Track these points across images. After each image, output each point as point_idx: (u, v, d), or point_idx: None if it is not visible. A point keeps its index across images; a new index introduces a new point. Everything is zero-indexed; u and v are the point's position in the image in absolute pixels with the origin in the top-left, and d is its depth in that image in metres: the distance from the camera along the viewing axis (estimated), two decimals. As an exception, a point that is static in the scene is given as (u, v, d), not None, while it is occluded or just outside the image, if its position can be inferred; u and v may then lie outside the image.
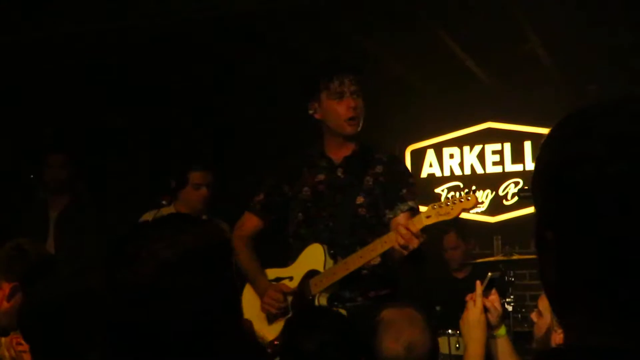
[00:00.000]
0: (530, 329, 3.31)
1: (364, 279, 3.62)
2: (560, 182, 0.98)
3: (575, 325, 1.00)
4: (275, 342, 3.59)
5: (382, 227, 3.60)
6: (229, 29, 5.29)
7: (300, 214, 3.76)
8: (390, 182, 3.68)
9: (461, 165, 7.03)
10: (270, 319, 3.72)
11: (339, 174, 3.75)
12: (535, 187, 1.05)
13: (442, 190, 6.97)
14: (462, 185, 6.82)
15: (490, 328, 2.92)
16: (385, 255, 3.54)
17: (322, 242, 3.64)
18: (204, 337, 1.48)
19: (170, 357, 1.48)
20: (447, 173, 7.08)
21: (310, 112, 3.71)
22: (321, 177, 3.76)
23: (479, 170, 6.97)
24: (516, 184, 6.79)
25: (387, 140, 6.39)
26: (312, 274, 3.63)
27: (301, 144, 3.92)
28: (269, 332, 3.69)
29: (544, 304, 2.71)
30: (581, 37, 5.42)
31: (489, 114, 6.91)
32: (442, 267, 6.12)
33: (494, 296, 2.95)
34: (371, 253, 3.46)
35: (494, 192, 6.87)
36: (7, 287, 2.99)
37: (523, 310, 5.23)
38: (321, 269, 3.60)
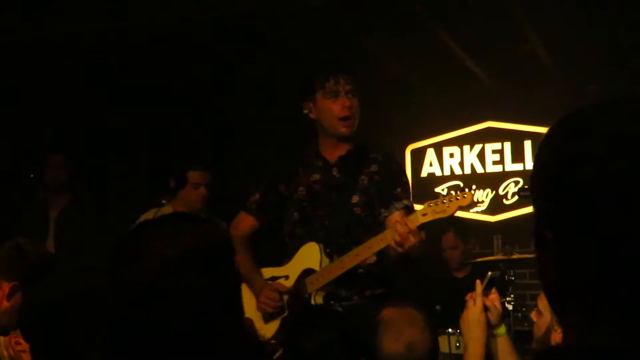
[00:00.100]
0: (530, 328, 3.31)
1: (360, 278, 3.62)
2: (560, 181, 0.98)
3: (574, 324, 1.00)
4: (272, 341, 3.60)
5: (378, 226, 3.61)
6: (229, 29, 5.29)
7: (295, 214, 3.76)
8: (385, 181, 3.69)
9: (461, 164, 7.04)
10: (266, 318, 3.72)
11: (334, 173, 3.75)
12: (534, 186, 1.04)
13: (443, 190, 6.97)
14: (462, 185, 6.82)
15: (490, 327, 2.92)
16: (381, 253, 3.55)
17: (318, 241, 3.65)
18: (204, 337, 1.48)
19: (170, 357, 1.48)
20: (447, 172, 7.08)
21: (305, 111, 3.72)
22: (316, 176, 3.77)
23: (479, 169, 6.97)
24: (516, 183, 6.79)
25: (387, 140, 6.40)
26: (308, 272, 3.63)
27: (301, 144, 3.92)
28: (265, 331, 3.70)
29: (543, 303, 2.71)
30: (581, 37, 5.41)
31: (489, 113, 6.92)
32: (442, 266, 6.12)
33: (494, 295, 2.95)
34: (368, 251, 3.47)
35: (494, 192, 6.87)
36: (6, 287, 2.99)
37: (523, 309, 5.23)
38: (317, 268, 3.60)
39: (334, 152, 3.76)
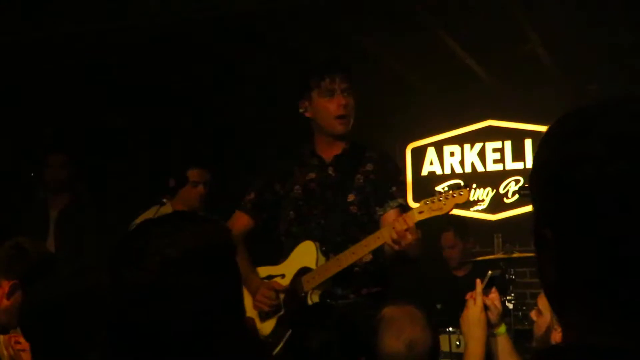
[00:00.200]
0: (530, 327, 3.31)
1: (356, 276, 3.63)
2: (560, 181, 0.98)
3: (574, 324, 1.00)
4: (269, 340, 3.60)
5: (374, 225, 3.62)
6: (229, 29, 5.29)
7: (291, 212, 3.77)
8: (381, 180, 3.70)
9: (462, 163, 7.04)
10: (263, 316, 3.72)
11: (330, 172, 3.76)
12: (534, 185, 1.04)
13: (443, 189, 6.95)
14: (462, 183, 6.81)
15: (490, 326, 2.92)
16: (377, 252, 3.55)
17: (314, 240, 3.65)
18: (204, 337, 1.48)
19: (170, 357, 1.48)
20: (447, 171, 7.08)
21: (301, 110, 3.73)
22: (312, 175, 3.78)
23: (480, 168, 6.97)
24: (517, 182, 6.79)
25: (387, 139, 6.40)
26: (304, 271, 3.63)
27: (301, 143, 3.93)
28: (262, 329, 3.70)
29: (543, 302, 2.71)
30: (581, 37, 5.42)
31: (490, 112, 6.92)
32: (443, 265, 6.12)
33: (494, 294, 2.95)
34: (364, 249, 3.47)
35: (494, 190, 6.87)
36: (6, 285, 2.99)
37: (524, 308, 5.22)
38: (313, 266, 3.60)
39: (329, 151, 3.76)
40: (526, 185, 6.49)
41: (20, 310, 2.38)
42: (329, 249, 3.62)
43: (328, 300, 3.58)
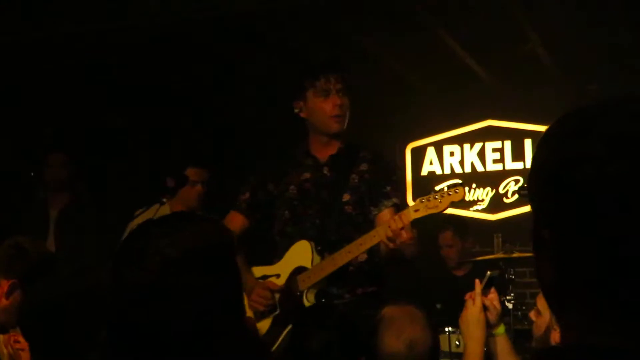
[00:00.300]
0: (530, 327, 3.31)
1: (351, 276, 3.63)
2: (560, 181, 0.98)
3: (574, 324, 0.99)
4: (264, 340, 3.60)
5: (368, 225, 3.62)
6: (229, 29, 5.29)
7: (286, 212, 3.77)
8: (375, 180, 3.71)
9: (461, 163, 7.04)
10: (258, 316, 3.72)
11: (325, 172, 3.76)
12: (532, 185, 1.04)
13: (442, 189, 6.96)
14: (459, 182, 6.81)
15: (489, 326, 2.92)
16: (372, 251, 3.55)
17: (309, 240, 3.65)
18: (204, 337, 1.48)
19: (170, 357, 1.48)
20: (447, 171, 7.08)
21: (296, 110, 3.74)
22: (307, 175, 3.78)
23: (480, 168, 6.98)
24: (516, 181, 6.79)
25: (387, 139, 6.40)
26: (299, 270, 3.63)
27: (296, 144, 3.92)
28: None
29: (542, 302, 2.71)
30: (581, 37, 5.42)
31: (489, 112, 6.92)
32: (442, 265, 6.12)
33: (493, 295, 2.95)
34: (359, 248, 3.47)
35: (494, 190, 6.88)
36: (5, 285, 2.99)
37: (523, 307, 5.22)
38: (308, 266, 3.60)
39: (324, 151, 3.77)
40: (526, 185, 6.47)
41: (20, 309, 2.38)
42: (324, 248, 3.62)
43: (323, 300, 3.58)
